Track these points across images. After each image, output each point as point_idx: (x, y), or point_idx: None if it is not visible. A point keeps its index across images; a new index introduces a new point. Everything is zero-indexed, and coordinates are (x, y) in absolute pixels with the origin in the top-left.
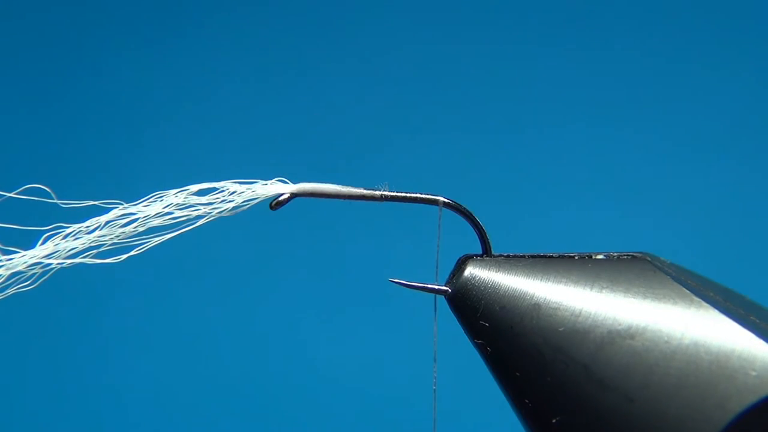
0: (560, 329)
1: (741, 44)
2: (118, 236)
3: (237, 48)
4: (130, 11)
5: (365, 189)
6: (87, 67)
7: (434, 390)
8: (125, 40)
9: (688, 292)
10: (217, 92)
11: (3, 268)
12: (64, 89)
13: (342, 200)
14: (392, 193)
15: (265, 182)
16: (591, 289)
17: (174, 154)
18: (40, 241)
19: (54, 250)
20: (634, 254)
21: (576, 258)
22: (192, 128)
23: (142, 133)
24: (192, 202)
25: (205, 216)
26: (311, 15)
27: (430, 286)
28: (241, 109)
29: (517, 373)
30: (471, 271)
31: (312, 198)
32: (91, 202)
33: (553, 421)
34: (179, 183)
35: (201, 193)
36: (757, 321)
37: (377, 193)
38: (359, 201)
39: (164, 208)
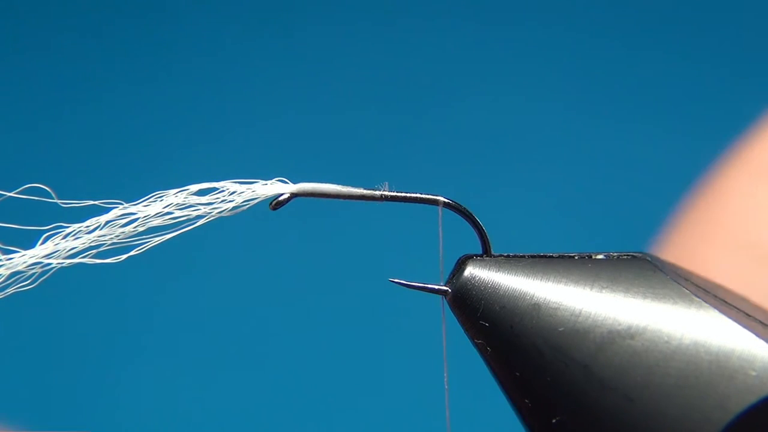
0: (560, 329)
1: (734, 43)
2: (118, 236)
3: (237, 48)
4: (130, 12)
5: (365, 189)
6: (87, 68)
7: (446, 390)
8: (125, 41)
9: (688, 292)
10: (217, 92)
11: (3, 268)
12: (65, 89)
13: (342, 200)
14: (392, 193)
15: (265, 182)
16: (591, 289)
17: (174, 154)
18: (40, 241)
19: (54, 249)
20: (634, 254)
21: (576, 258)
22: (192, 128)
23: (143, 133)
24: (192, 202)
25: (205, 216)
26: (313, 15)
27: (430, 286)
28: (242, 109)
29: (517, 373)
30: (471, 271)
31: (312, 198)
32: (91, 202)
33: (553, 421)
34: (179, 183)
35: (201, 193)
36: (757, 321)
37: (377, 193)
38: (359, 201)
39: (164, 208)
